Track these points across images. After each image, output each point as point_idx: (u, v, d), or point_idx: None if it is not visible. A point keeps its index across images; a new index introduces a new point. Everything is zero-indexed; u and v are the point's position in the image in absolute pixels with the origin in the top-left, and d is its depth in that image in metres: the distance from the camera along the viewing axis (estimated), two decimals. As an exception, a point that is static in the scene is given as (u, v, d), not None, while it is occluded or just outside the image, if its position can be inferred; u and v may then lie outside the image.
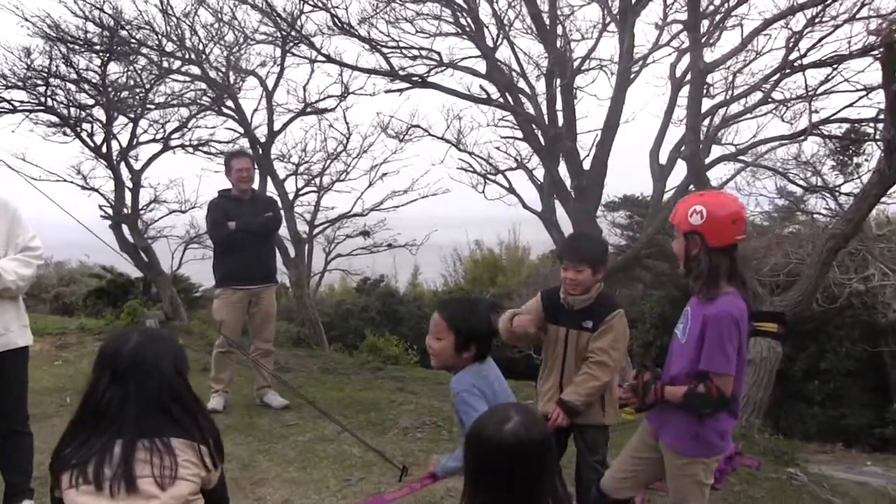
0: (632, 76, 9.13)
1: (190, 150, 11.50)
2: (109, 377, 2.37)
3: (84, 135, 10.65)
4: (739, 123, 9.79)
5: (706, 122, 8.86)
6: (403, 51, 9.11)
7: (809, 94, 7.68)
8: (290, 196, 11.32)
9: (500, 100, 9.18)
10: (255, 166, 7.28)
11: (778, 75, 8.42)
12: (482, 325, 3.23)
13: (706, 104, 9.36)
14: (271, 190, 10.49)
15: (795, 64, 8.08)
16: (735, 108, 9.31)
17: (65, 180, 11.06)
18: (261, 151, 10.14)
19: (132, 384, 2.35)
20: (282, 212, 10.38)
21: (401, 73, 8.72)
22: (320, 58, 8.86)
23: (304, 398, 6.69)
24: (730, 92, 9.13)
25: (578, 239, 5.28)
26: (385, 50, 9.01)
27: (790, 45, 7.93)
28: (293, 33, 8.79)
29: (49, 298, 20.83)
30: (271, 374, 7.07)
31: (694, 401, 3.30)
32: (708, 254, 3.30)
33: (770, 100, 8.92)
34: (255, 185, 10.08)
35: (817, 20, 7.92)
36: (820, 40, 8.05)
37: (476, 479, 2.17)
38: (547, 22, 8.69)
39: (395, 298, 19.61)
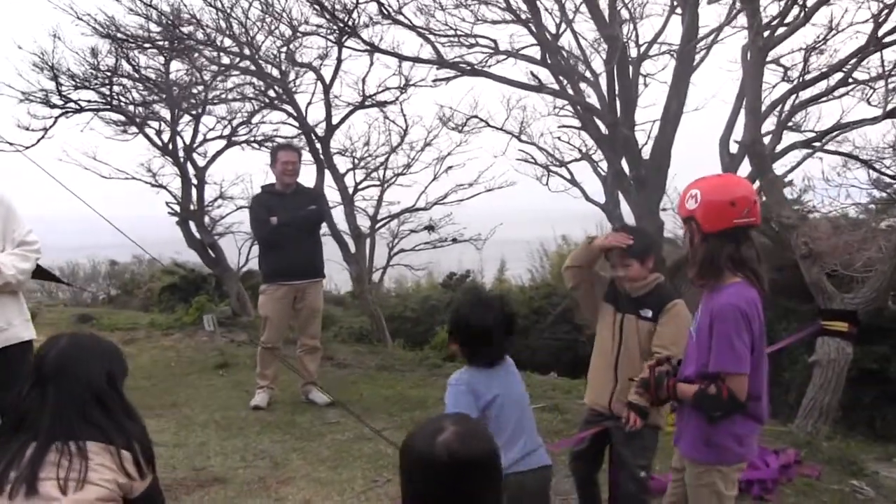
0: (696, 59, 8.64)
1: (255, 145, 11.56)
2: (33, 381, 2.32)
3: (152, 133, 10.84)
4: (822, 108, 9.15)
5: (778, 107, 8.29)
6: (461, 39, 8.88)
7: (887, 72, 7.03)
8: (350, 190, 11.21)
9: (556, 87, 8.84)
10: (301, 161, 7.18)
11: (860, 55, 7.74)
12: (469, 327, 3.13)
13: (783, 88, 8.81)
14: (330, 184, 10.42)
15: (885, 40, 7.37)
16: (814, 91, 8.67)
17: (133, 178, 11.29)
18: (319, 146, 10.05)
19: (52, 388, 2.28)
20: (331, 205, 10.40)
21: (451, 61, 8.47)
22: (364, 47, 8.72)
23: (332, 398, 6.63)
24: (805, 74, 8.49)
25: None
26: (442, 39, 8.81)
27: (880, 19, 7.24)
28: (346, 27, 8.65)
29: (141, 294, 21.50)
30: (293, 370, 6.97)
31: (704, 402, 3.02)
32: (704, 239, 3.03)
33: (851, 80, 8.26)
34: (313, 182, 10.16)
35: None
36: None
37: (410, 495, 1.93)
38: (605, 2, 8.28)
39: (481, 294, 19.22)
